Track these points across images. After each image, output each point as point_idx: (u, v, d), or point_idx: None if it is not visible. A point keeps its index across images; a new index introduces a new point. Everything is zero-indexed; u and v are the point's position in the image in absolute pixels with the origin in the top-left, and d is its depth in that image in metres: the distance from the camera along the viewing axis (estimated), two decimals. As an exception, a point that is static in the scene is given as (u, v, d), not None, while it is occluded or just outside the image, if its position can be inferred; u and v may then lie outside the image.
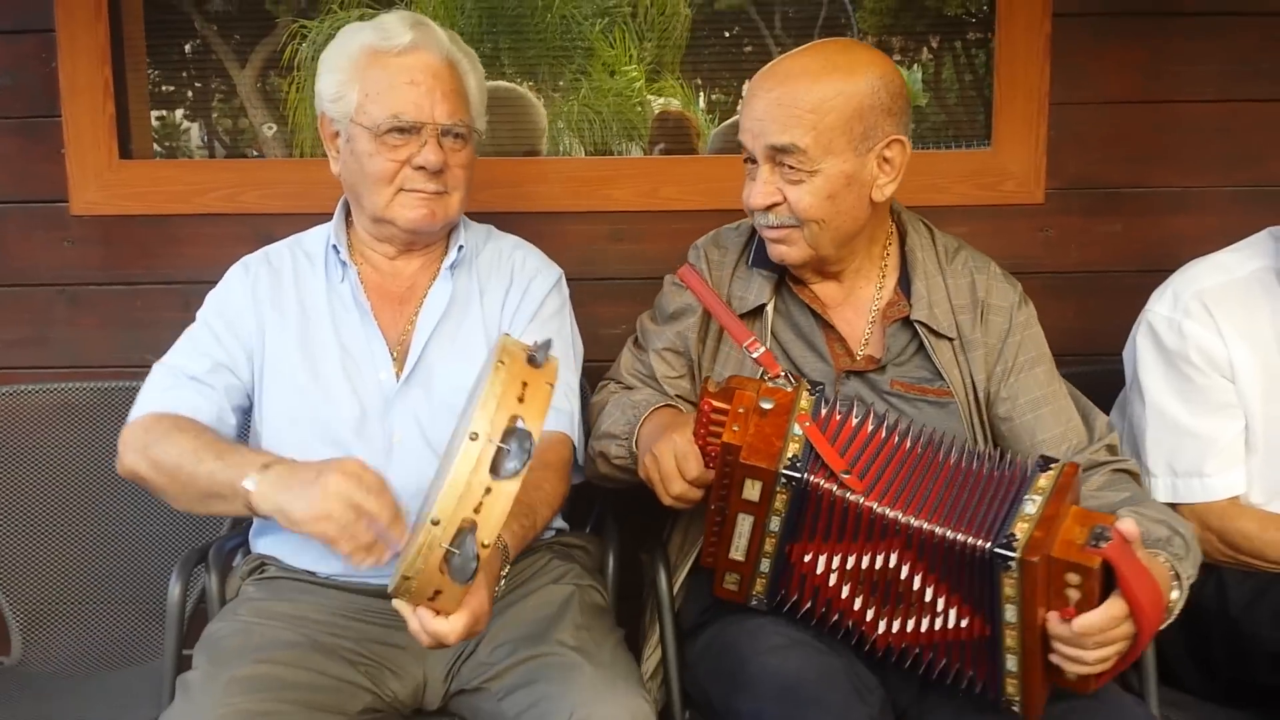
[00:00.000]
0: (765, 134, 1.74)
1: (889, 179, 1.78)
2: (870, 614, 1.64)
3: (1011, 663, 1.54)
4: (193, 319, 1.97)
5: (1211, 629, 1.85)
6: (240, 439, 1.91)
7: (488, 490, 1.26)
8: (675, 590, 1.90)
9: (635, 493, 1.95)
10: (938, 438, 1.66)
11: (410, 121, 1.82)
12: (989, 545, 1.49)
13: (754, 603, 1.70)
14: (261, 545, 1.94)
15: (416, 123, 1.83)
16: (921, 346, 1.86)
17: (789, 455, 1.58)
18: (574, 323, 2.06)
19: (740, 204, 1.84)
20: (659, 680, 1.89)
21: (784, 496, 1.59)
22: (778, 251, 1.83)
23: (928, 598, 1.59)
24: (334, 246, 1.94)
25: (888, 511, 1.56)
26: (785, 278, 1.91)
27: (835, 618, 1.67)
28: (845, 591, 1.64)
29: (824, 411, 1.64)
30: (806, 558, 1.64)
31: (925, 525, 1.55)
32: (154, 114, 3.16)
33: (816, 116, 1.70)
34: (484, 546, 1.28)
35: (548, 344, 1.36)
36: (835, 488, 1.58)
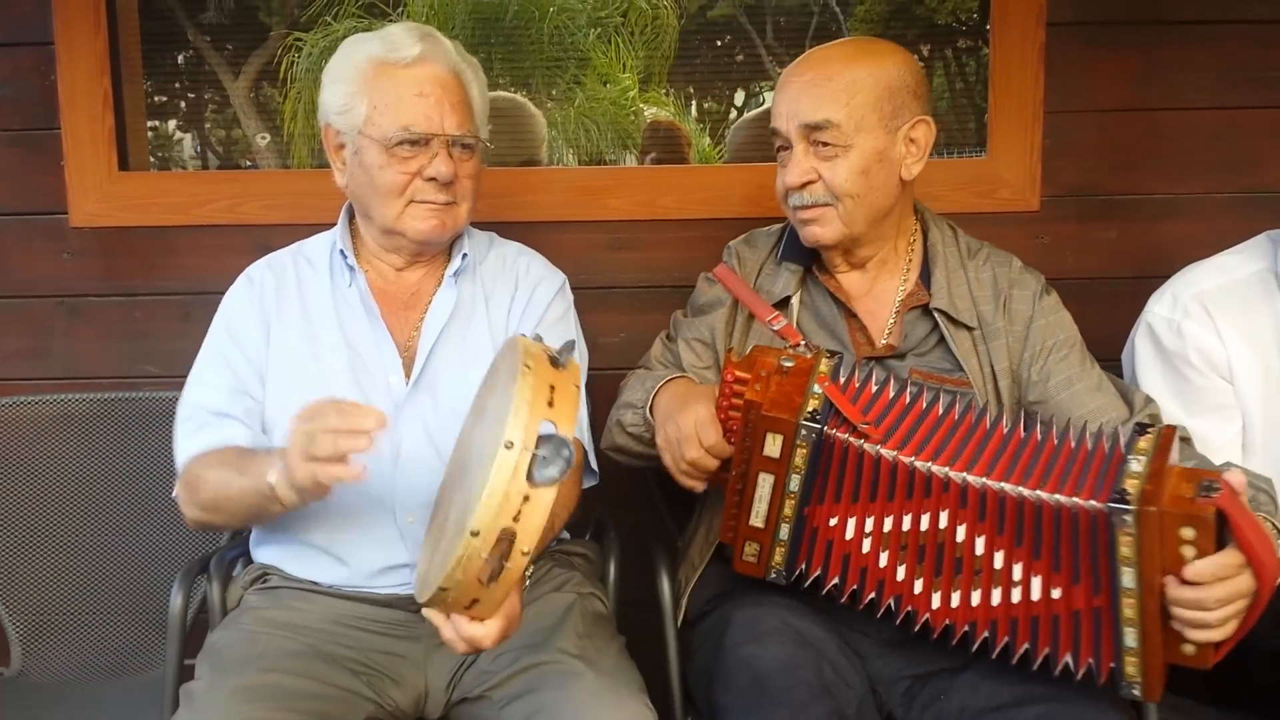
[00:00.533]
0: (800, 113, 1.82)
1: (915, 159, 1.87)
2: (919, 586, 1.61)
3: (1131, 637, 1.46)
4: (192, 330, 1.97)
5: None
6: None
7: (525, 498, 1.25)
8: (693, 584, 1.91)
9: (635, 499, 1.96)
10: (979, 405, 1.68)
11: (421, 133, 1.82)
12: (1102, 503, 1.45)
13: (772, 575, 1.69)
14: (263, 555, 1.93)
15: (427, 134, 1.83)
16: (942, 339, 1.89)
17: (809, 409, 1.61)
18: (579, 327, 2.06)
19: (740, 213, 1.87)
20: None
21: (804, 451, 1.61)
22: (811, 233, 1.87)
23: (998, 564, 1.55)
24: (341, 251, 1.94)
25: (934, 468, 1.56)
26: (812, 268, 1.96)
27: (873, 594, 1.64)
28: (884, 559, 1.62)
29: (843, 376, 1.67)
30: (832, 521, 1.64)
31: (988, 484, 1.53)
32: (148, 125, 3.16)
33: (849, 95, 1.80)
34: (524, 554, 1.27)
35: (570, 345, 1.37)
36: (853, 438, 1.59)
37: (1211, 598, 1.40)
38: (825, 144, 1.81)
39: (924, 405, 1.65)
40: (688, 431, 1.68)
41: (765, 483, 1.65)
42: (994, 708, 1.63)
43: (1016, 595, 1.55)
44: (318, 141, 1.98)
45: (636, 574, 2.03)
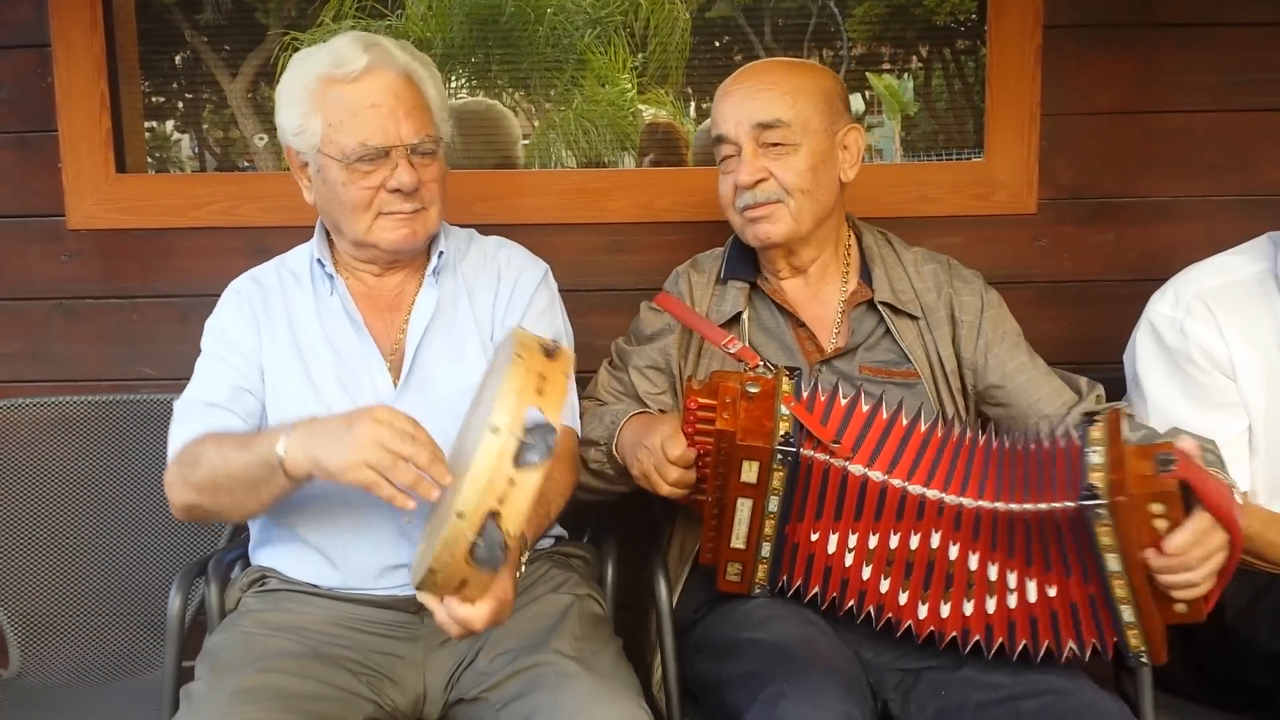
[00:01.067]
0: (751, 114, 1.90)
1: (850, 163, 1.97)
2: (905, 597, 1.67)
3: (1128, 613, 1.56)
4: (190, 332, 1.98)
5: (1206, 630, 1.86)
6: None
7: (511, 482, 1.28)
8: (675, 597, 1.93)
9: (633, 502, 1.96)
10: (933, 410, 1.77)
11: (378, 146, 1.80)
12: (1074, 503, 1.52)
13: (757, 591, 1.75)
14: (261, 557, 1.94)
15: (384, 147, 1.80)
16: (888, 330, 1.95)
17: (781, 433, 1.64)
18: (565, 315, 2.06)
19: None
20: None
21: (780, 474, 1.64)
22: (761, 230, 1.93)
23: (992, 576, 1.63)
24: (319, 260, 1.94)
25: (914, 488, 1.63)
26: (756, 282, 2.01)
27: (852, 601, 1.70)
28: (868, 572, 1.68)
29: (805, 393, 1.70)
30: (814, 536, 1.69)
31: (982, 505, 1.61)
32: (145, 126, 3.16)
33: (793, 98, 1.90)
34: (509, 534, 1.29)
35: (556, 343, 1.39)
36: (830, 457, 1.64)
37: (1193, 559, 1.51)
38: (775, 144, 1.89)
39: (885, 416, 1.70)
40: (658, 455, 1.71)
41: (744, 506, 1.68)
42: (995, 701, 1.65)
43: (1013, 601, 1.64)
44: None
45: (633, 576, 2.03)
